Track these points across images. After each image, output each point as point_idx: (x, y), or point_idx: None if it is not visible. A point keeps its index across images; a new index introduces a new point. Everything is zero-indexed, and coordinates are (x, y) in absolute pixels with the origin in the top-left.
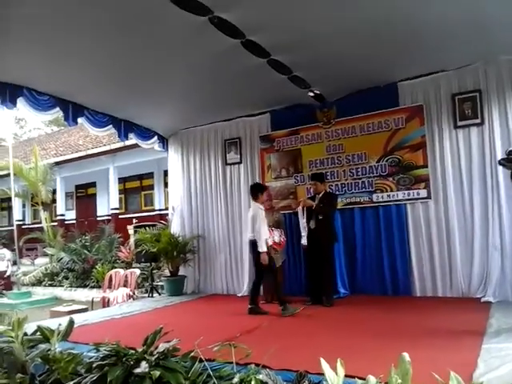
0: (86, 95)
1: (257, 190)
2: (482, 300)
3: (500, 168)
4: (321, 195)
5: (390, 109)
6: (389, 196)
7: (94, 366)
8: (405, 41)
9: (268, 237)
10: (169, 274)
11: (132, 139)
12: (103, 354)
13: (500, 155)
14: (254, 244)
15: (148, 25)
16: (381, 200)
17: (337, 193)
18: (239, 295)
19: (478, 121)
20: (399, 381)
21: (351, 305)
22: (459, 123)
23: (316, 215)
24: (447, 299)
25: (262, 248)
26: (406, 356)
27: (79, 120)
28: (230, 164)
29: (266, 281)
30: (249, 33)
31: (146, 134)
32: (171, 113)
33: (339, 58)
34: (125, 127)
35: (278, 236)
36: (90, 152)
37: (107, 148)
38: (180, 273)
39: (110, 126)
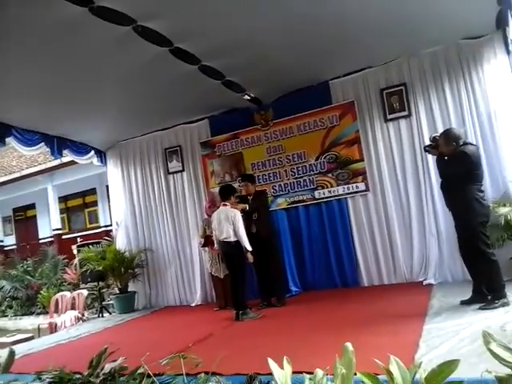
0: (11, 113)
1: (227, 192)
2: (424, 283)
3: (430, 157)
4: (252, 196)
5: (323, 107)
6: (330, 192)
7: None
8: (332, 40)
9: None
10: (118, 292)
11: (67, 156)
12: (47, 383)
13: (428, 143)
14: (229, 246)
15: (70, 37)
16: (323, 196)
17: (280, 193)
18: (193, 305)
19: (406, 113)
20: (343, 371)
21: (302, 302)
22: (389, 116)
23: (251, 216)
24: (392, 286)
25: (249, 247)
26: (349, 346)
27: (7, 140)
28: (173, 173)
29: (217, 287)
30: (176, 40)
31: (81, 149)
32: (107, 126)
33: (270, 61)
34: (58, 144)
35: None
36: (24, 172)
37: (43, 167)
38: (130, 289)
39: (42, 143)
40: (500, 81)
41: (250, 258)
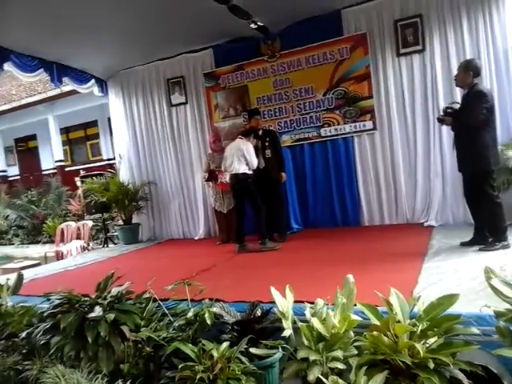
0: (9, 36)
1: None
2: (426, 224)
3: (441, 96)
4: (261, 132)
5: (334, 38)
6: (336, 130)
7: (46, 314)
8: None
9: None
10: (122, 223)
11: (68, 85)
12: (55, 304)
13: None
14: (236, 179)
15: None
16: (329, 134)
17: (286, 130)
18: (196, 238)
19: (420, 47)
20: (344, 300)
21: (303, 238)
22: (402, 51)
23: (263, 153)
24: (393, 226)
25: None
26: (351, 277)
27: (5, 66)
28: (176, 105)
29: (221, 222)
30: None
31: (81, 77)
32: (107, 52)
33: None
34: (57, 71)
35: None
36: (24, 102)
37: (43, 96)
38: (134, 221)
39: (41, 69)
40: None
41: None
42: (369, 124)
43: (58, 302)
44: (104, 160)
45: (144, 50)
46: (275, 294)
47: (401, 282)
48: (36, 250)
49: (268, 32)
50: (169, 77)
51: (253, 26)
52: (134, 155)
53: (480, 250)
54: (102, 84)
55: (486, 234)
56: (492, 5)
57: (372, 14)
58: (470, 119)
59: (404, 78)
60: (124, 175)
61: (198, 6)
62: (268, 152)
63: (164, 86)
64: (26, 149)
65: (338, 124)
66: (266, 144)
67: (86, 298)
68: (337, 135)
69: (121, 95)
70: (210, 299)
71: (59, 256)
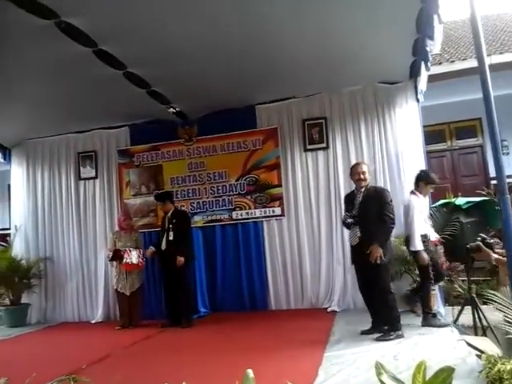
0: None
1: (418, 179)
2: (329, 310)
3: (342, 188)
4: (170, 214)
5: (248, 130)
6: (247, 213)
7: None
8: (262, 67)
9: (421, 232)
10: (9, 303)
11: None
12: None
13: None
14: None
15: None
16: (240, 217)
17: (198, 210)
18: (93, 322)
19: (324, 145)
20: None
21: (210, 324)
22: (308, 147)
23: (167, 235)
24: (299, 311)
25: (415, 246)
26: (250, 372)
27: None
28: (84, 179)
29: (122, 304)
30: (101, 42)
31: None
32: (15, 121)
33: (200, 77)
34: None
35: (136, 257)
36: None
37: None
38: (23, 300)
39: None
40: (409, 125)
41: (423, 259)
42: (277, 210)
43: None
44: None
45: (57, 123)
46: None
47: (302, 373)
48: None
49: (186, 117)
50: (80, 150)
51: (171, 110)
52: (32, 228)
53: (376, 339)
54: (6, 151)
55: (382, 323)
56: (385, 113)
57: (283, 111)
58: (389, 214)
59: (310, 170)
60: (18, 249)
61: (117, 87)
62: (171, 235)
63: (74, 159)
64: None
65: (249, 208)
66: (171, 226)
67: None
68: (247, 219)
69: (25, 164)
70: None
71: None
